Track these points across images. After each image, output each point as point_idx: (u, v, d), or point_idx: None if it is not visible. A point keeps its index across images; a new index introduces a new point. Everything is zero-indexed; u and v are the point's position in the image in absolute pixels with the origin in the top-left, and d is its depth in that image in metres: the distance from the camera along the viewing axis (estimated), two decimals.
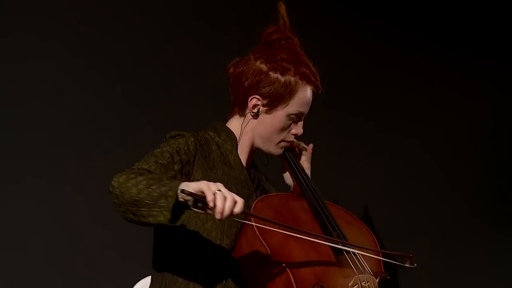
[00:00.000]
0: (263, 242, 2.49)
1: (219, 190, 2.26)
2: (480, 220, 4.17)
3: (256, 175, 2.83)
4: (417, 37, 4.15)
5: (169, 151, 2.58)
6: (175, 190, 2.28)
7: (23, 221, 3.39)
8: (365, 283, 2.50)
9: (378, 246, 2.73)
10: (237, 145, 2.75)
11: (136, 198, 2.34)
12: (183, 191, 2.25)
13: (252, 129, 2.75)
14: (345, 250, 2.56)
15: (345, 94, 3.99)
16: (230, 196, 2.27)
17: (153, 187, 2.32)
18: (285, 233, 2.52)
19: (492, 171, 4.23)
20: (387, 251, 2.66)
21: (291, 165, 2.82)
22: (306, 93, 2.71)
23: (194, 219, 2.60)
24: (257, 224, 2.49)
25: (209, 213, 2.26)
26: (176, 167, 2.57)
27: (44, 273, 3.41)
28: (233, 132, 2.76)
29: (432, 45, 4.17)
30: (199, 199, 2.24)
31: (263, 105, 2.71)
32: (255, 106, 2.72)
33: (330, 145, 3.97)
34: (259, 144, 2.76)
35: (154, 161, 2.54)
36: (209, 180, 2.57)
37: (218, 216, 2.24)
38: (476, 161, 4.21)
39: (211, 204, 2.24)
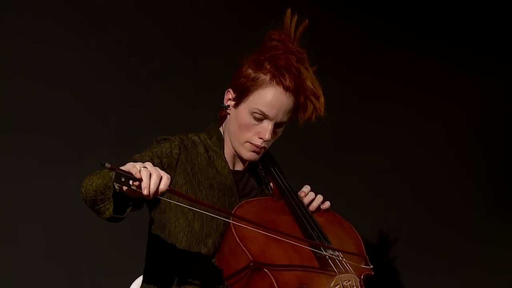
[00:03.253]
0: (244, 248, 2.50)
1: (145, 167, 2.19)
2: (480, 216, 4.18)
3: (253, 179, 2.80)
4: (418, 33, 4.15)
5: (148, 155, 2.57)
6: (111, 178, 2.23)
7: (21, 219, 3.42)
8: (346, 282, 2.51)
9: (362, 243, 2.74)
10: (223, 148, 2.73)
11: (93, 198, 2.33)
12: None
13: (227, 127, 2.73)
14: (325, 250, 2.56)
15: (344, 89, 4.00)
16: (156, 172, 2.19)
17: (98, 181, 2.30)
18: (266, 238, 2.54)
19: (492, 167, 4.23)
20: (346, 251, 2.65)
21: (268, 167, 2.80)
22: (270, 92, 2.61)
23: (174, 223, 2.60)
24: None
25: (134, 190, 2.16)
26: None
27: (43, 272, 3.44)
28: (222, 135, 2.75)
29: (432, 41, 4.17)
30: (122, 173, 2.14)
31: (233, 99, 2.68)
32: (228, 100, 2.70)
33: (328, 142, 3.99)
34: (231, 143, 2.70)
35: None
36: (192, 186, 2.59)
37: (145, 192, 2.16)
38: (476, 156, 4.21)
39: (137, 176, 2.16)
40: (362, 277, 2.61)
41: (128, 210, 2.29)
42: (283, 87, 2.61)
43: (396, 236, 4.00)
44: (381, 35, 4.10)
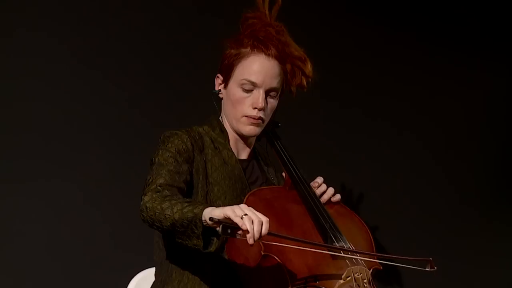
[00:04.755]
0: None
1: (245, 214, 2.26)
2: (480, 213, 4.19)
3: (257, 167, 2.81)
4: (415, 29, 4.15)
5: (171, 156, 2.58)
6: (200, 218, 2.30)
7: (24, 217, 3.41)
8: (358, 275, 2.50)
9: (371, 237, 2.74)
10: (228, 138, 2.74)
11: (170, 229, 2.37)
12: (211, 219, 2.25)
13: (224, 112, 2.76)
14: (337, 242, 2.56)
15: (343, 87, 3.99)
16: (256, 217, 2.27)
17: (175, 215, 2.34)
18: (278, 225, 2.53)
19: (491, 164, 4.23)
20: (406, 257, 2.61)
21: (282, 157, 2.80)
22: (253, 61, 2.65)
23: None
24: (276, 244, 2.46)
25: (239, 239, 2.27)
26: (184, 168, 2.58)
27: (44, 266, 3.44)
28: (223, 125, 2.76)
29: (431, 38, 4.17)
30: (228, 225, 2.23)
31: (222, 82, 2.73)
32: (219, 85, 2.74)
33: (328, 139, 3.99)
34: (230, 124, 2.73)
35: (166, 171, 2.53)
36: (205, 175, 2.58)
37: (250, 241, 2.25)
38: (475, 154, 4.21)
39: (243, 228, 2.24)
40: (371, 270, 2.60)
41: (215, 242, 2.37)
42: (265, 54, 2.66)
43: (395, 235, 4.00)
44: (380, 34, 4.11)
